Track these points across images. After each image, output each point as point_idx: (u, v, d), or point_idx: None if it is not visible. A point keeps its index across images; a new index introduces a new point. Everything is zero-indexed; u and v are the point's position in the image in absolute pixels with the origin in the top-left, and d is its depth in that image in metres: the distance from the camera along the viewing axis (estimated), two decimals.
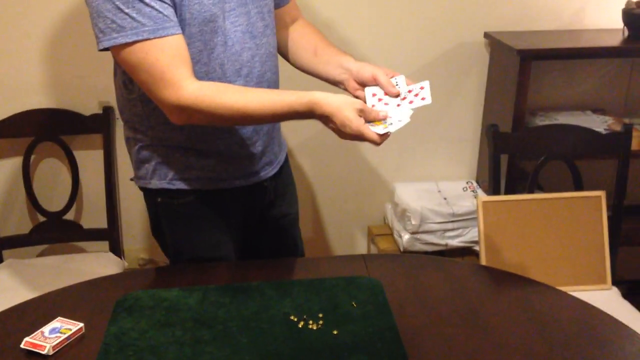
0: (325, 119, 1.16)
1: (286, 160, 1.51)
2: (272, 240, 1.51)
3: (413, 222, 2.08)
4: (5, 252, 1.95)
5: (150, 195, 1.37)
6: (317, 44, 1.40)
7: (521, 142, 1.83)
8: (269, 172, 1.41)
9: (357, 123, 1.14)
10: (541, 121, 2.07)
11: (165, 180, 1.33)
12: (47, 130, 1.94)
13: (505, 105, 2.04)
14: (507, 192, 1.95)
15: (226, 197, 1.36)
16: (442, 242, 2.10)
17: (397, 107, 1.25)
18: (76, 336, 1.11)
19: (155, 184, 1.34)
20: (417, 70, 2.14)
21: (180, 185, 1.33)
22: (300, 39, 1.42)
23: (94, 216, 2.09)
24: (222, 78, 1.24)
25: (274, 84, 1.35)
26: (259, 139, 1.35)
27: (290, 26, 1.44)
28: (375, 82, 1.27)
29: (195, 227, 1.37)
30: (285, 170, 1.50)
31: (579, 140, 1.78)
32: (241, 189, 1.37)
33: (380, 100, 1.26)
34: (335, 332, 1.12)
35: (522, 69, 1.93)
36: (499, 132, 1.75)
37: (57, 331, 1.10)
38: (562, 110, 2.17)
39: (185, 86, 1.15)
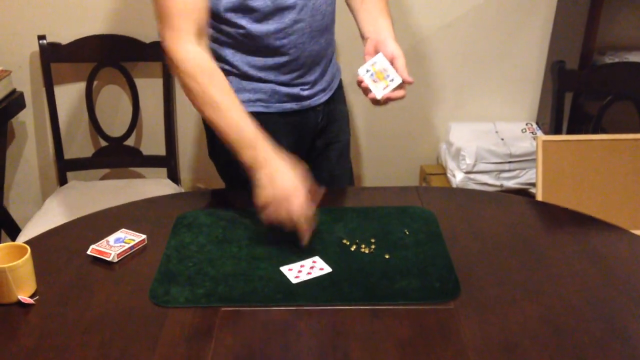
0: (262, 162, 1.13)
1: (340, 86, 1.50)
2: (320, 170, 1.50)
3: (468, 161, 2.04)
4: (69, 174, 2.03)
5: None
6: None
7: (588, 80, 1.76)
8: (322, 97, 1.41)
9: (295, 182, 1.11)
10: (610, 60, 1.97)
11: None
12: (108, 56, 1.98)
13: (572, 43, 1.95)
14: (569, 134, 1.88)
15: (277, 121, 1.37)
16: (497, 182, 2.07)
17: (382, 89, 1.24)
18: (139, 246, 1.16)
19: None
20: (480, 2, 2.05)
21: None
22: None
23: (153, 143, 2.15)
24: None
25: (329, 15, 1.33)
26: (311, 71, 1.35)
27: None
28: (390, 61, 1.25)
29: None
30: (339, 95, 1.50)
31: None
32: (292, 112, 1.38)
33: (372, 75, 1.24)
34: (387, 257, 1.13)
35: (593, 3, 1.82)
36: (565, 68, 1.68)
37: (121, 241, 1.15)
38: (633, 49, 2.05)
39: (183, 42, 1.16)
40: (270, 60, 1.30)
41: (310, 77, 1.37)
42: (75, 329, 0.97)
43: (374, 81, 1.23)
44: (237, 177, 1.42)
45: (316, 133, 1.46)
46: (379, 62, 1.23)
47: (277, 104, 1.36)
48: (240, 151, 1.16)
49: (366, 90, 1.24)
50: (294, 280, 1.06)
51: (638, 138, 1.61)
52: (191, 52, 1.17)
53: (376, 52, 1.27)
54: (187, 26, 1.16)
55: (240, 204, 1.31)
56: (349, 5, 1.40)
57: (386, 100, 1.24)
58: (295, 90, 1.36)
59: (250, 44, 1.28)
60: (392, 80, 1.22)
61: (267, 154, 1.15)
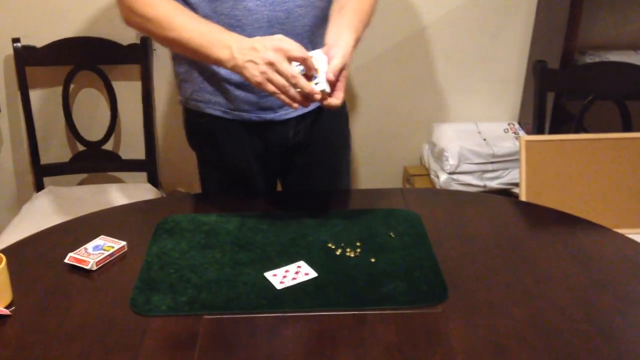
0: (241, 49, 1.09)
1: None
2: (302, 188, 1.46)
3: (451, 162, 2.04)
4: (46, 180, 1.99)
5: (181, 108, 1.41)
6: (348, 4, 1.23)
7: (569, 79, 1.76)
8: (291, 112, 1.32)
9: (274, 42, 1.07)
10: (591, 60, 1.98)
11: (184, 97, 1.35)
12: (85, 59, 1.94)
13: (553, 43, 1.95)
14: (551, 134, 1.89)
15: (239, 129, 1.32)
16: (481, 183, 2.07)
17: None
18: (119, 254, 1.13)
19: (179, 98, 1.37)
20: (462, 3, 2.05)
21: (194, 106, 1.34)
22: None
23: (132, 147, 2.11)
24: None
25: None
26: None
27: None
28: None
29: (214, 150, 1.38)
30: (329, 112, 1.39)
31: (631, 79, 1.70)
32: (254, 123, 1.31)
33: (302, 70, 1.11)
34: (373, 260, 1.11)
35: (573, 3, 1.83)
36: (547, 68, 1.68)
37: (100, 248, 1.12)
38: (613, 49, 2.07)
39: None
40: None
41: None
42: (54, 340, 0.93)
43: (302, 74, 1.09)
44: (205, 180, 1.42)
45: (291, 149, 1.39)
46: (315, 59, 1.11)
47: (236, 112, 1.30)
48: (213, 53, 1.11)
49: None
50: (279, 286, 1.04)
51: (620, 137, 1.62)
52: None
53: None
54: None
55: (223, 208, 1.29)
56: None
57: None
58: (251, 97, 1.28)
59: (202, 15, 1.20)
60: (316, 84, 1.09)
61: (240, 44, 1.10)
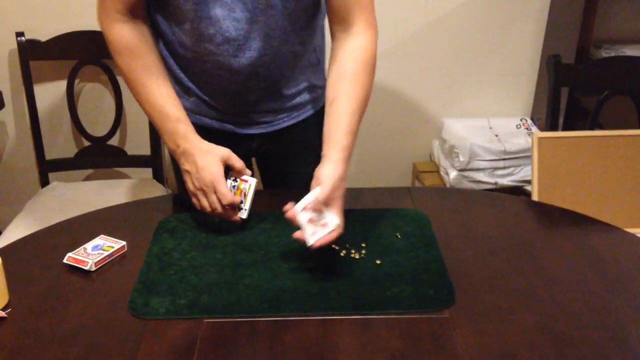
0: (185, 155, 1.13)
1: (304, 121, 1.34)
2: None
3: (461, 159, 2.00)
4: (51, 175, 1.98)
5: None
6: (340, 94, 1.13)
7: (584, 74, 1.71)
8: (252, 129, 1.30)
9: (217, 171, 1.11)
10: (607, 54, 1.93)
11: None
12: (90, 53, 1.91)
13: (568, 36, 1.91)
14: (564, 130, 1.84)
15: (202, 136, 1.27)
16: (492, 180, 2.03)
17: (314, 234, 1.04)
18: (118, 254, 1.11)
19: None
20: None
21: None
22: (335, 69, 1.16)
23: (137, 143, 2.09)
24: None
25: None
26: (248, 92, 1.23)
27: (338, 39, 1.17)
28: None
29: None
30: (306, 123, 1.34)
31: None
32: (215, 130, 1.30)
33: (308, 215, 1.05)
34: (378, 262, 1.08)
35: None
36: (561, 62, 1.63)
37: (99, 248, 1.10)
38: (630, 43, 2.01)
39: (113, 20, 1.14)
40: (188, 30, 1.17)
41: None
42: (50, 343, 0.91)
43: (309, 221, 1.03)
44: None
45: (260, 158, 1.39)
46: (249, 185, 1.16)
47: (199, 116, 1.29)
48: (164, 137, 1.16)
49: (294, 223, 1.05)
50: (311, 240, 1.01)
51: (636, 134, 1.57)
52: (120, 30, 1.14)
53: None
54: (117, 4, 1.13)
55: None
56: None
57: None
58: (213, 112, 1.27)
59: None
60: (324, 224, 1.03)
61: (189, 144, 1.13)
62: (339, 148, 1.09)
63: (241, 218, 1.16)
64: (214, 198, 1.11)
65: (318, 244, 1.02)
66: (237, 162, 1.15)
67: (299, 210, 1.04)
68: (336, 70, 1.15)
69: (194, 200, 1.15)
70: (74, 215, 1.25)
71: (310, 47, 1.28)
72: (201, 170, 1.11)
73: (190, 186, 1.14)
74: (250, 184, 1.17)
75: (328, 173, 1.06)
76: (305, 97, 1.33)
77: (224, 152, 1.13)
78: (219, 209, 1.12)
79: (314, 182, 1.07)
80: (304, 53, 1.26)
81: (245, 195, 1.16)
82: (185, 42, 1.19)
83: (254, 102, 1.28)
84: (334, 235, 1.03)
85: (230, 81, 1.22)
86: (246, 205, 1.16)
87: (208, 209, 1.13)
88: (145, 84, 1.15)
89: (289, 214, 1.05)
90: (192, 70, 1.24)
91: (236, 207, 1.15)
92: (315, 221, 1.04)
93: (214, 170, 1.11)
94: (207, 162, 1.11)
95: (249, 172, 1.18)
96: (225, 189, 1.11)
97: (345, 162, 1.09)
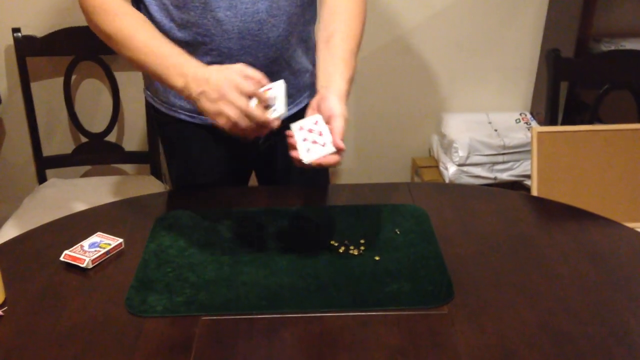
0: (196, 79, 1.04)
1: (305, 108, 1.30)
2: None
3: (460, 154, 1.99)
4: (48, 172, 1.97)
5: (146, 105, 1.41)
6: (335, 32, 1.16)
7: (584, 68, 1.70)
8: None
9: (234, 73, 1.02)
10: (606, 48, 1.91)
11: (152, 93, 1.33)
12: (87, 49, 1.90)
13: (567, 30, 1.89)
14: (564, 124, 1.83)
15: (206, 136, 1.27)
16: (491, 175, 2.02)
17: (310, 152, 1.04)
18: (115, 251, 1.10)
19: (146, 92, 1.35)
20: None
21: (159, 103, 1.31)
22: (327, 15, 1.18)
23: (135, 139, 2.08)
24: None
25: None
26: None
27: None
28: (327, 121, 1.07)
29: (181, 148, 1.35)
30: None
31: None
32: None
33: (303, 134, 1.05)
34: (377, 258, 1.07)
35: None
36: (561, 56, 1.62)
37: (96, 245, 1.09)
38: (629, 36, 2.00)
39: None
40: (186, 20, 1.15)
41: None
42: (47, 341, 0.91)
43: (304, 140, 1.04)
44: (179, 176, 1.41)
45: (264, 152, 1.37)
46: (315, 122, 1.07)
47: (202, 116, 1.24)
48: (168, 78, 1.08)
49: (292, 147, 1.05)
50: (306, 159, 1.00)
51: (635, 128, 1.57)
52: None
53: (319, 109, 1.09)
54: None
55: (224, 204, 1.25)
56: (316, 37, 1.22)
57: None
58: None
59: None
60: (323, 145, 1.03)
61: (196, 73, 1.05)
62: (342, 85, 1.09)
63: (278, 118, 1.05)
64: (236, 96, 1.01)
65: (315, 161, 1.00)
66: (255, 72, 1.05)
67: (297, 129, 1.04)
68: (328, 9, 1.18)
69: (219, 121, 1.04)
70: (71, 211, 1.25)
71: (311, 30, 1.28)
72: (216, 80, 1.02)
73: (209, 106, 1.03)
74: (277, 85, 1.06)
75: (338, 106, 1.05)
76: (306, 79, 1.33)
77: (237, 65, 1.05)
78: (249, 109, 1.01)
79: (309, 110, 1.08)
80: (306, 32, 1.26)
81: (275, 98, 1.05)
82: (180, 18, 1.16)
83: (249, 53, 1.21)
84: (333, 159, 1.02)
85: (232, 51, 1.18)
86: (281, 104, 1.04)
87: (235, 116, 1.01)
88: (136, 36, 1.10)
89: (288, 132, 1.04)
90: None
91: (266, 108, 1.05)
92: (308, 143, 1.03)
93: (229, 75, 1.03)
94: (221, 70, 1.04)
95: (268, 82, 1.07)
96: (247, 82, 1.02)
97: (347, 95, 1.11)
